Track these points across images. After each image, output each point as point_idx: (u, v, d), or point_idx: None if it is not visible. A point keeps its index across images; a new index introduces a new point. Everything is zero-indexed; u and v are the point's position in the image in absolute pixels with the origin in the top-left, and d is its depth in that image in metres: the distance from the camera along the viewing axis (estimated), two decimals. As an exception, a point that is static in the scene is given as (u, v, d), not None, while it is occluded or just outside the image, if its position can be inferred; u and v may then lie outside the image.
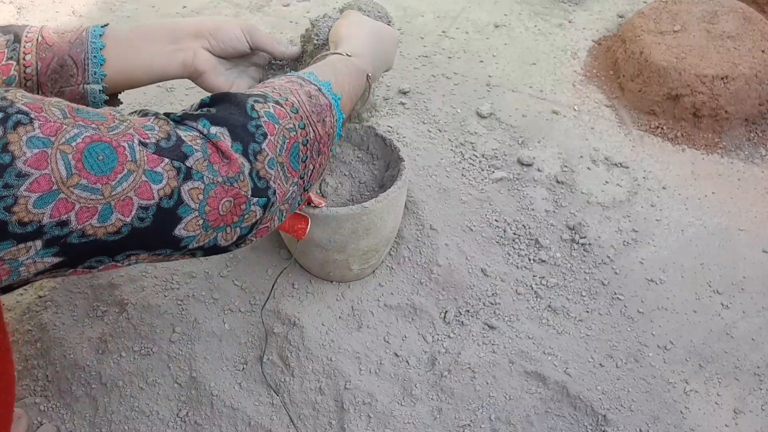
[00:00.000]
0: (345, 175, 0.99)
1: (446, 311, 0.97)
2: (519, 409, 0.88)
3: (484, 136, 1.24)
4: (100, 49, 0.71)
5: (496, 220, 1.09)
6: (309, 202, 0.84)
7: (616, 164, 1.21)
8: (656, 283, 1.04)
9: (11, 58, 0.68)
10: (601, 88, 1.38)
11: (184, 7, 1.60)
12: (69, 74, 0.71)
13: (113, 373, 0.90)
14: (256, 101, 0.57)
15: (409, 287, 0.99)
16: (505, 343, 0.94)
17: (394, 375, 0.91)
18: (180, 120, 0.54)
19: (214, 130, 0.53)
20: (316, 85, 0.64)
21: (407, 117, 1.28)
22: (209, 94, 0.59)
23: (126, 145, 0.48)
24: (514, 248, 1.06)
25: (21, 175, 0.43)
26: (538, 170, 1.19)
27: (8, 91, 0.45)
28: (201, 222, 0.52)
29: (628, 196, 1.16)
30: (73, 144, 0.45)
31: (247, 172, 0.54)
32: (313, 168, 0.62)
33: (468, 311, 0.98)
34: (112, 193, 0.46)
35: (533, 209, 1.12)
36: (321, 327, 0.94)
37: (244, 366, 0.92)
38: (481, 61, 1.43)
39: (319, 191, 0.96)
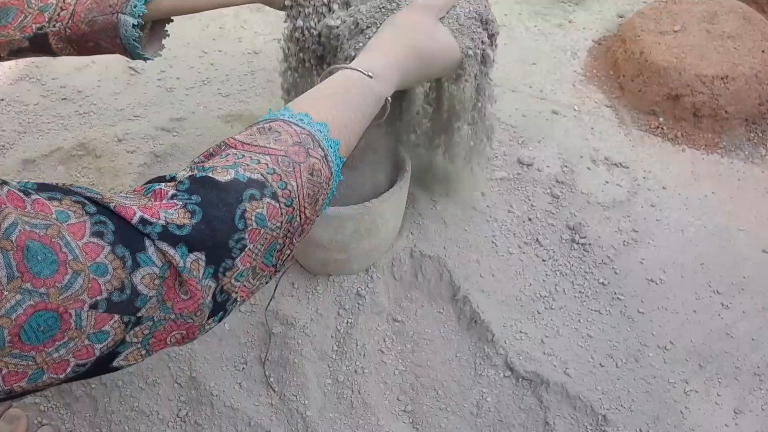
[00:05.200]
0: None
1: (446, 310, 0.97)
2: (519, 409, 0.88)
3: (484, 136, 1.24)
4: None
5: (495, 220, 1.09)
6: None
7: (616, 164, 1.21)
8: (656, 283, 1.04)
9: None
10: (601, 88, 1.38)
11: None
12: (108, 4, 0.67)
13: (113, 373, 0.90)
14: (251, 199, 0.47)
15: (409, 286, 0.99)
16: (506, 343, 0.94)
17: (395, 373, 0.91)
18: (159, 234, 0.43)
19: (189, 261, 0.44)
20: (323, 151, 0.54)
21: (407, 117, 1.27)
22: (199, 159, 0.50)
23: (73, 312, 0.41)
24: (514, 248, 1.06)
25: None
26: (538, 170, 1.19)
27: None
28: (143, 352, 0.46)
29: (628, 196, 1.16)
30: (13, 316, 0.38)
31: (210, 295, 0.46)
32: (290, 253, 0.53)
33: (468, 310, 0.98)
34: (47, 359, 0.41)
35: (533, 209, 1.12)
36: (321, 326, 0.94)
37: (244, 366, 0.92)
38: (481, 61, 1.43)
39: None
